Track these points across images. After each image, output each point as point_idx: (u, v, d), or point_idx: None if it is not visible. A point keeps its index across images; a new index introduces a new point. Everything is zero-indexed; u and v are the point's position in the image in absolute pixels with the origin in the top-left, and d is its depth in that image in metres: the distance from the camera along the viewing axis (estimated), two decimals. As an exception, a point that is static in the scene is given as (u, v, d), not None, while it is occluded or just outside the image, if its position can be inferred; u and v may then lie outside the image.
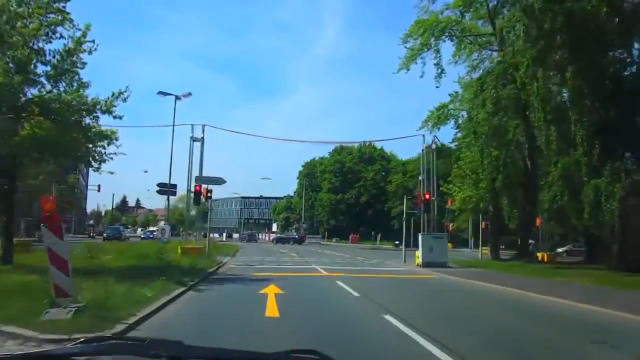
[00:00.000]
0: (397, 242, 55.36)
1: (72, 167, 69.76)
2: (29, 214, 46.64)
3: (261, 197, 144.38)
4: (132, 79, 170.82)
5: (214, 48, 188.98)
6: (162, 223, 30.37)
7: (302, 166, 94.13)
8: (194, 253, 19.37)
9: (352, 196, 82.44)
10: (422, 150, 25.74)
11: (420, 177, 24.64)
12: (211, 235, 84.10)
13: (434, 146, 24.82)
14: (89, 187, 78.05)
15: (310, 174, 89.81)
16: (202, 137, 20.73)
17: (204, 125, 20.79)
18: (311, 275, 16.63)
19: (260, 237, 78.96)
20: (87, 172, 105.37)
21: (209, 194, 22.02)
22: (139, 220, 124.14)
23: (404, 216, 24.14)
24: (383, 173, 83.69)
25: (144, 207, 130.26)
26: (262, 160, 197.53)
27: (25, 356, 1.85)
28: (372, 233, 53.71)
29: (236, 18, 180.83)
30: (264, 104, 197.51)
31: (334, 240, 71.30)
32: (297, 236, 64.59)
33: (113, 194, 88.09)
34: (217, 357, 1.90)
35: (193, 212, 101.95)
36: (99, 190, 66.37)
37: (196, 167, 25.83)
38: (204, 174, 25.44)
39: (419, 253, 20.87)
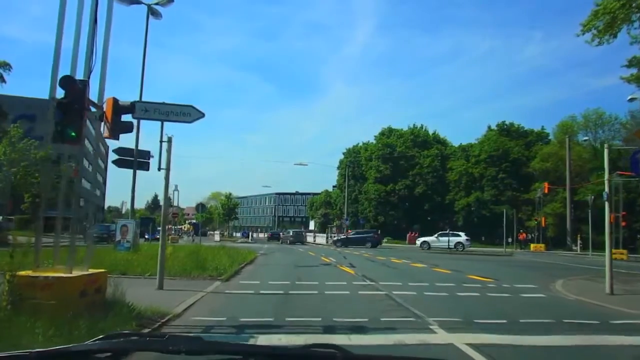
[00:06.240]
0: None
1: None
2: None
3: (297, 192, 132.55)
4: (168, 80, 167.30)
5: (248, 50, 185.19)
6: (122, 221, 17.32)
7: (344, 154, 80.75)
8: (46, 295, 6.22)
9: (404, 187, 68.38)
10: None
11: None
12: (233, 234, 70.82)
13: None
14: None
15: (354, 162, 76.28)
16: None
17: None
18: None
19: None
20: (106, 167, 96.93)
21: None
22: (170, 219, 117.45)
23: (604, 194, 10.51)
24: (439, 159, 69.45)
25: (175, 206, 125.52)
26: (298, 154, 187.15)
27: (43, 353, 1.70)
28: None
29: (269, 19, 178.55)
30: (299, 104, 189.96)
31: (385, 240, 57.44)
32: (371, 235, 47.75)
33: (132, 189, 77.70)
34: (236, 351, 1.79)
35: (219, 207, 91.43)
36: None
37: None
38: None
39: None
